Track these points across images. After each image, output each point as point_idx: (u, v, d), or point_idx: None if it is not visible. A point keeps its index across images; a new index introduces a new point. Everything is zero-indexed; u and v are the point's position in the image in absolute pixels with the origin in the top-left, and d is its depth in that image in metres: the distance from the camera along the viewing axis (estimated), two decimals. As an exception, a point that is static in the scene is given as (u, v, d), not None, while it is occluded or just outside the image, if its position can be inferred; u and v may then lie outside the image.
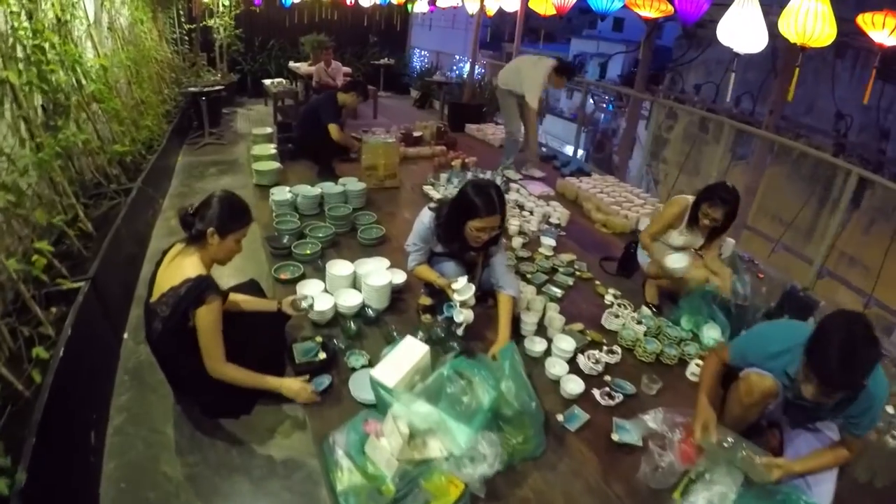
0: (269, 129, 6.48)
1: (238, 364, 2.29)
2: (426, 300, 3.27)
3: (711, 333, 3.27)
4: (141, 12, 6.60)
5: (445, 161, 6.37)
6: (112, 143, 4.38)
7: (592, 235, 4.88)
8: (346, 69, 9.02)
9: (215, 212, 2.18)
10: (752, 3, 3.60)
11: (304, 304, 2.65)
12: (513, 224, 4.63)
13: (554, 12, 6.43)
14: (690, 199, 3.49)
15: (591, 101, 16.22)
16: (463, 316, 2.79)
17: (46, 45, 3.33)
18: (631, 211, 5.08)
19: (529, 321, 3.17)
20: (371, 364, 2.72)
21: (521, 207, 5.18)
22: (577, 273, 4.07)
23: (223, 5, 9.41)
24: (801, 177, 8.94)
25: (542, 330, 3.24)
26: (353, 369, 2.72)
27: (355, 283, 3.32)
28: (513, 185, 5.74)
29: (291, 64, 10.48)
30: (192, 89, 7.33)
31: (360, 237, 4.14)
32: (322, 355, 2.72)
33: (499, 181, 5.59)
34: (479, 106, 8.82)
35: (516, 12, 8.12)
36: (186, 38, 9.71)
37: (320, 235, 3.93)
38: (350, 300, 3.09)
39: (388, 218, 4.74)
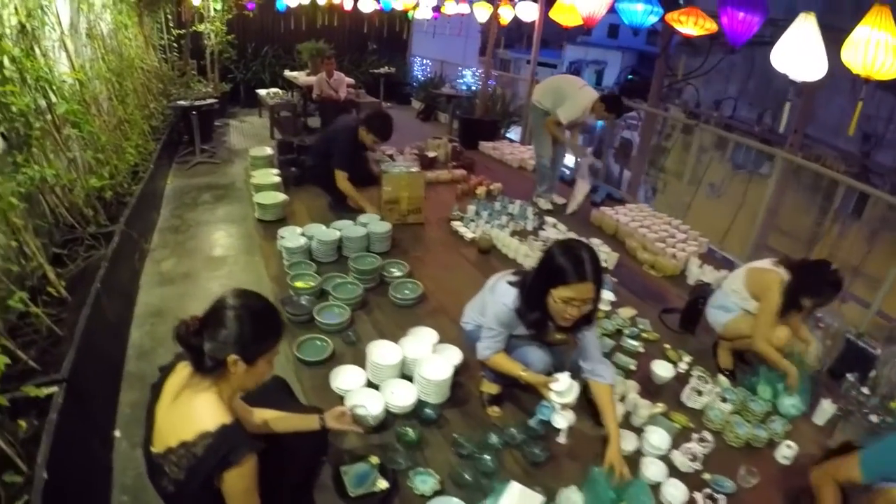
0: (268, 150, 5.77)
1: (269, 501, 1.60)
2: (491, 387, 2.65)
3: (791, 402, 2.93)
4: (125, 16, 5.88)
5: (468, 188, 5.73)
6: (89, 174, 3.68)
7: (643, 280, 4.30)
8: (350, 80, 8.35)
9: (234, 332, 1.48)
10: (810, 25, 3.15)
11: (362, 414, 2.01)
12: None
13: (580, 23, 5.83)
14: (782, 275, 2.92)
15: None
16: (566, 420, 2.37)
17: (4, 59, 2.67)
18: (677, 249, 4.58)
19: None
20: (443, 488, 2.15)
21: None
22: (644, 334, 3.52)
23: (214, 9, 8.71)
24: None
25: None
26: (424, 497, 2.12)
27: (402, 368, 2.64)
28: (548, 219, 5.08)
29: (287, 73, 9.78)
30: (182, 103, 6.62)
31: (392, 296, 3.51)
32: (382, 484, 2.10)
33: (529, 216, 5.03)
34: (494, 122, 8.18)
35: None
36: (175, 44, 8.98)
37: (347, 297, 3.29)
38: (404, 397, 2.50)
39: (419, 265, 4.10)
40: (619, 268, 4.41)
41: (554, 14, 5.95)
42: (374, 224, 4.20)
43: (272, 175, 5.07)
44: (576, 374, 2.41)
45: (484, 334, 2.42)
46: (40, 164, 2.93)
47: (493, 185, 5.85)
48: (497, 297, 2.35)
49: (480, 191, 5.69)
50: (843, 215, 6.32)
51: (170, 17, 8.97)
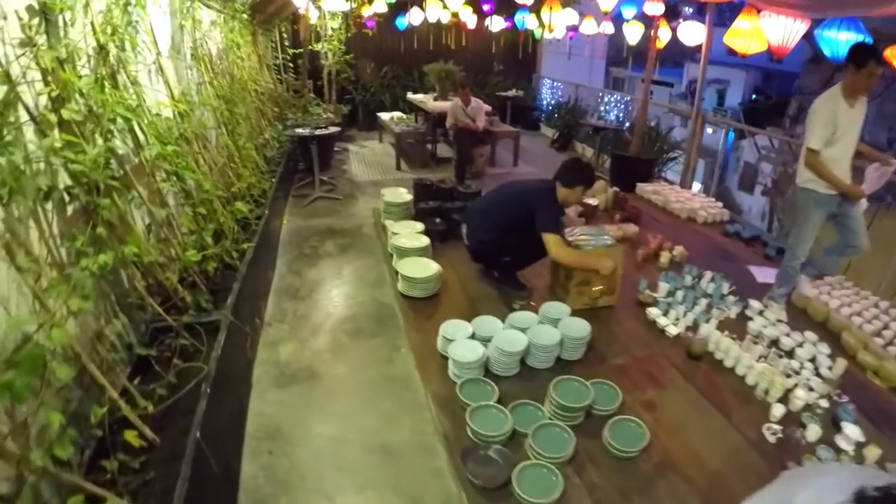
0: (405, 195, 4.79)
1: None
2: None
3: None
4: (237, 34, 5.16)
5: (649, 253, 4.50)
6: (188, 236, 2.83)
7: (875, 397, 3.09)
8: (487, 108, 7.35)
9: None
10: None
11: None
12: (798, 395, 2.87)
13: (762, 50, 4.63)
14: None
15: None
16: None
17: (76, 95, 1.86)
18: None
19: None
20: None
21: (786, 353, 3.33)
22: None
23: (332, 28, 8.04)
24: None
25: None
26: None
27: None
28: (752, 302, 3.83)
29: (411, 96, 8.98)
30: (302, 132, 5.84)
31: (609, 444, 2.43)
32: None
33: (724, 291, 3.92)
34: (651, 161, 6.88)
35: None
36: (291, 64, 8.39)
37: (555, 454, 2.23)
38: None
39: (621, 378, 2.97)
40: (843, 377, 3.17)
41: (730, 38, 4.72)
42: (568, 323, 3.15)
43: (419, 235, 4.12)
44: None
45: None
46: (114, 239, 2.06)
47: (675, 248, 4.60)
48: None
49: (664, 258, 4.44)
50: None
51: (285, 35, 8.41)
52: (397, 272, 3.64)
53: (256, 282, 3.67)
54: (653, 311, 3.63)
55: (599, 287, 3.57)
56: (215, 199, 3.32)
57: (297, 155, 6.62)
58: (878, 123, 8.48)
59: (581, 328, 3.06)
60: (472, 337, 2.98)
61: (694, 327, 3.56)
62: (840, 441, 2.56)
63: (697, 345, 3.25)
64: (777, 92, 20.71)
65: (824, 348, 3.37)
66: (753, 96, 24.93)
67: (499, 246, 3.67)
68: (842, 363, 3.20)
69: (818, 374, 3.16)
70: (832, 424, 2.70)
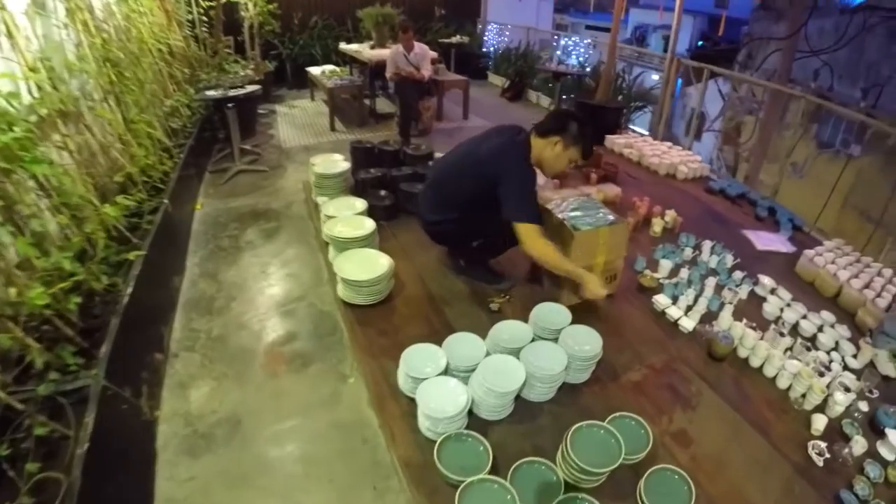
0: (340, 162, 3.88)
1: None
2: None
3: None
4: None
5: (638, 220, 3.85)
6: (43, 258, 1.97)
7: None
8: (433, 54, 6.43)
9: None
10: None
11: None
12: (837, 400, 2.42)
13: None
14: None
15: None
16: None
17: None
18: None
19: None
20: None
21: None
22: None
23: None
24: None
25: None
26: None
27: None
28: (762, 279, 3.33)
29: (344, 46, 7.92)
30: (213, 94, 4.83)
31: None
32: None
33: (728, 264, 3.47)
34: (619, 111, 6.17)
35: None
36: (205, 18, 7.19)
37: None
38: None
39: (640, 401, 2.38)
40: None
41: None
42: (573, 335, 2.40)
43: (360, 218, 3.17)
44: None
45: None
46: None
47: (667, 213, 3.96)
48: None
49: (658, 225, 3.80)
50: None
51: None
52: (335, 275, 2.79)
53: (153, 300, 2.81)
54: (660, 300, 2.97)
55: (601, 276, 2.86)
56: (87, 199, 2.40)
57: (215, 123, 5.59)
58: (849, 73, 8.03)
59: (591, 342, 2.35)
60: (446, 371, 2.20)
61: (708, 316, 2.94)
62: (883, 450, 2.24)
63: (721, 346, 2.63)
64: (724, 38, 20.34)
65: (844, 331, 2.96)
66: (700, 42, 24.57)
67: (461, 227, 2.79)
68: (868, 351, 2.79)
69: (845, 366, 2.76)
70: (870, 429, 2.37)
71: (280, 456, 2.22)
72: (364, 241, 2.96)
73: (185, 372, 2.63)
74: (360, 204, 3.30)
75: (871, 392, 2.57)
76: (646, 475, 1.89)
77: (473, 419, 2.10)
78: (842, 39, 7.84)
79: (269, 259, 3.59)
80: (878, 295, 3.25)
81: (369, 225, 3.05)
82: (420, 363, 2.17)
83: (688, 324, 2.82)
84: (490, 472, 1.82)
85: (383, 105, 7.29)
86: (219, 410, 2.43)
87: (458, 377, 2.15)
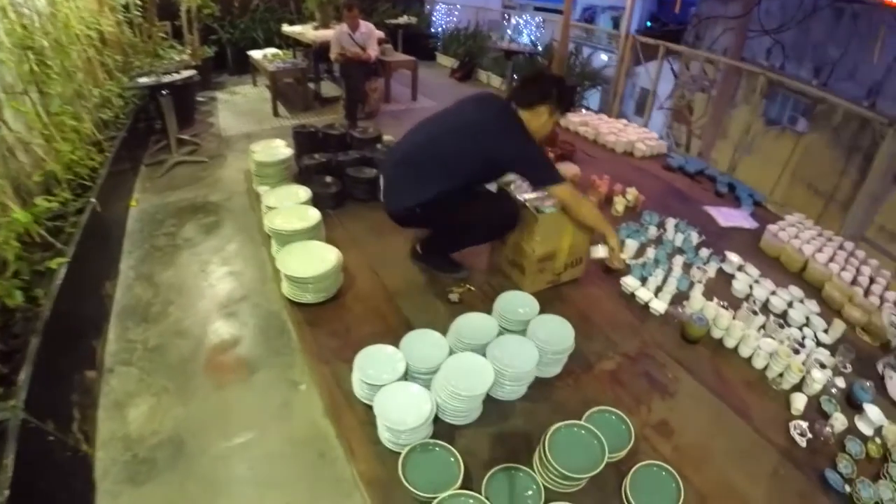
0: (282, 149, 3.60)
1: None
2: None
3: None
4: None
5: (599, 200, 3.76)
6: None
7: (872, 361, 2.68)
8: (380, 34, 6.14)
9: None
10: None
11: None
12: (815, 378, 2.35)
13: None
14: None
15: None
16: None
17: None
18: (873, 293, 3.12)
19: None
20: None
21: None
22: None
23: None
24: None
25: None
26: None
27: None
28: (729, 255, 3.27)
29: (287, 28, 7.54)
30: (146, 80, 4.46)
31: None
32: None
33: (694, 241, 3.43)
34: (573, 89, 6.03)
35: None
36: (139, 2, 6.69)
37: None
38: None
39: (633, 407, 2.21)
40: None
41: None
42: (542, 327, 2.21)
43: (304, 208, 2.91)
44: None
45: None
46: None
47: (629, 191, 3.84)
48: None
49: (620, 204, 3.68)
50: (886, 181, 4.94)
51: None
52: (278, 271, 2.53)
53: (82, 311, 2.50)
54: (628, 282, 2.83)
55: (566, 260, 2.69)
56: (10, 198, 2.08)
57: (151, 113, 5.19)
58: (796, 53, 8.08)
59: (562, 333, 2.17)
60: (406, 375, 1.99)
61: (678, 297, 2.82)
62: (861, 425, 2.23)
63: (695, 328, 2.51)
64: (672, 19, 20.48)
65: (813, 306, 2.94)
66: (648, 24, 24.77)
67: (441, 212, 2.51)
68: (839, 325, 2.76)
69: (818, 342, 2.72)
70: (847, 404, 2.34)
71: (229, 478, 1.97)
72: (308, 233, 2.71)
73: (122, 389, 2.34)
74: (304, 192, 3.03)
75: (844, 367, 2.53)
76: (630, 473, 1.74)
77: (439, 424, 1.91)
78: (791, 20, 7.90)
79: (209, 256, 3.30)
80: (843, 269, 3.26)
81: (313, 215, 2.79)
82: (376, 368, 1.94)
83: (659, 306, 2.69)
84: (462, 485, 1.63)
85: (329, 89, 6.96)
86: (160, 431, 2.16)
87: (419, 381, 1.95)
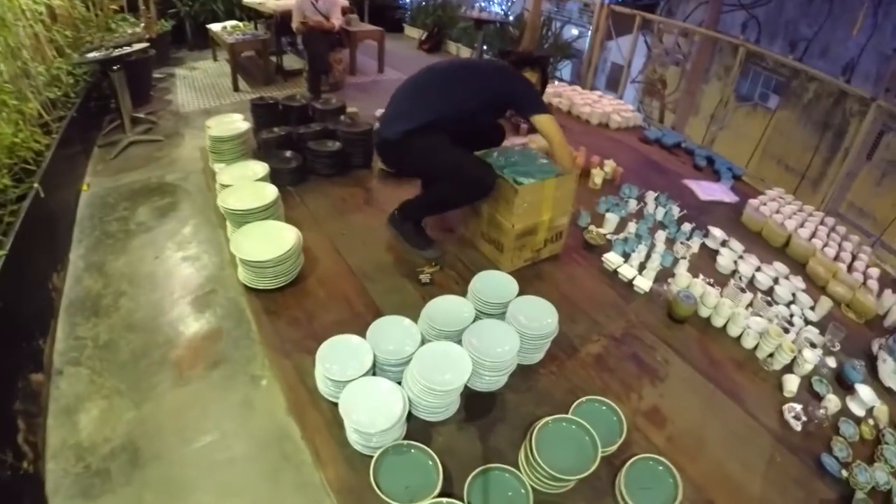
0: (239, 122, 3.33)
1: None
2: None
3: None
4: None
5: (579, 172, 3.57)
6: None
7: (859, 339, 2.63)
8: (344, 2, 5.82)
9: None
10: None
11: None
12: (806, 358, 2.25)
13: None
14: None
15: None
16: None
17: None
18: (855, 269, 3.09)
19: None
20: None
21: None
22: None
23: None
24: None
25: None
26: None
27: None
28: (713, 231, 3.17)
29: (247, -1, 7.15)
30: (95, 55, 4.13)
31: None
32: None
33: (675, 216, 3.30)
34: (546, 59, 5.81)
35: None
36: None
37: None
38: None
39: (622, 393, 2.10)
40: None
41: None
42: (522, 310, 2.02)
43: (261, 185, 2.66)
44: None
45: None
46: None
47: (606, 164, 3.69)
48: None
49: (598, 176, 3.52)
50: (861, 158, 5.07)
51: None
52: (233, 255, 2.32)
53: (26, 309, 2.24)
54: (611, 259, 2.69)
55: (546, 235, 2.52)
56: None
57: (105, 90, 4.84)
58: (768, 29, 8.03)
59: (545, 316, 2.00)
60: (374, 368, 1.80)
61: (663, 274, 2.69)
62: (853, 406, 2.16)
63: (683, 307, 2.37)
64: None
65: (799, 283, 2.86)
66: (620, -1, 24.65)
67: (425, 151, 2.43)
68: (826, 302, 2.68)
69: (806, 320, 2.63)
70: (838, 384, 2.28)
71: (188, 487, 1.78)
72: (265, 213, 2.48)
73: (72, 392, 2.11)
74: (261, 168, 2.80)
75: (833, 346, 2.44)
76: (624, 469, 1.60)
77: (413, 422, 1.74)
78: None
79: (163, 241, 3.05)
80: (826, 244, 3.20)
81: (270, 193, 2.55)
82: (340, 362, 1.76)
83: (643, 283, 2.55)
84: (442, 491, 1.46)
85: (292, 61, 6.64)
86: (112, 438, 1.95)
87: (388, 374, 1.77)
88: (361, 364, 1.75)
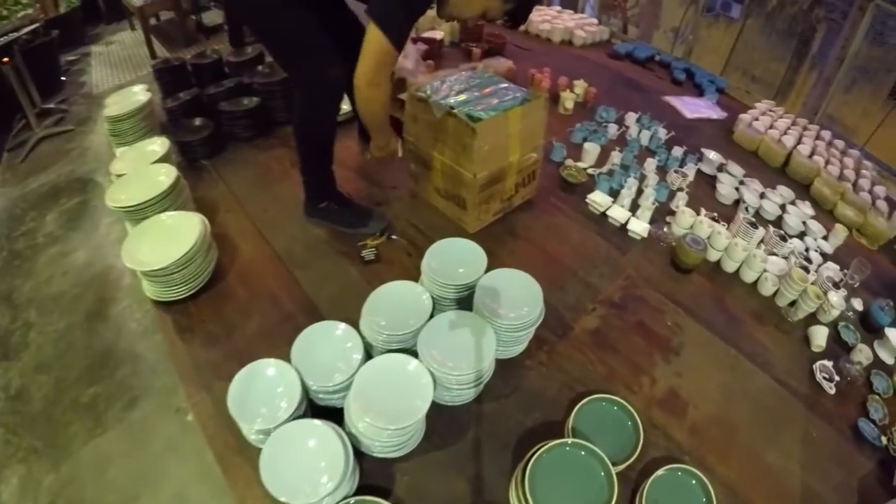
0: (139, 94, 2.73)
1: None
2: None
3: None
4: None
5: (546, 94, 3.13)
6: None
7: (878, 270, 2.27)
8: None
9: None
10: None
11: None
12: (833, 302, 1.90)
13: None
14: None
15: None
16: None
17: None
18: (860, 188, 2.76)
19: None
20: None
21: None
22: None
23: None
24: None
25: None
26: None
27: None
28: (707, 153, 2.75)
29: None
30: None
31: None
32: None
33: (661, 138, 2.86)
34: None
35: None
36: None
37: None
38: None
39: (629, 377, 1.68)
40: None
41: None
42: (498, 288, 1.56)
43: (157, 169, 2.12)
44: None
45: None
46: None
47: (576, 85, 3.22)
48: None
49: (568, 100, 3.05)
50: (821, 64, 4.72)
51: None
52: (135, 269, 1.80)
53: None
54: (597, 199, 2.25)
55: (516, 179, 2.06)
56: None
57: (8, 86, 4.23)
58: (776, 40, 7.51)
59: (526, 296, 1.54)
60: (307, 399, 1.37)
61: (660, 211, 2.27)
62: (882, 353, 1.87)
63: (692, 254, 1.96)
64: None
65: (807, 208, 2.52)
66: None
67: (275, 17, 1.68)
68: (841, 231, 2.35)
69: (821, 253, 2.28)
70: (862, 327, 1.97)
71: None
72: (161, 203, 1.95)
73: None
74: (159, 146, 2.27)
75: (852, 279, 2.09)
76: (646, 488, 1.21)
77: (368, 461, 1.32)
78: None
79: (72, 252, 2.56)
80: (828, 161, 2.84)
81: (165, 178, 2.03)
82: (255, 396, 1.31)
83: (639, 227, 2.13)
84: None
85: (214, 17, 5.93)
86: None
87: (322, 398, 1.34)
88: (290, 393, 1.30)
